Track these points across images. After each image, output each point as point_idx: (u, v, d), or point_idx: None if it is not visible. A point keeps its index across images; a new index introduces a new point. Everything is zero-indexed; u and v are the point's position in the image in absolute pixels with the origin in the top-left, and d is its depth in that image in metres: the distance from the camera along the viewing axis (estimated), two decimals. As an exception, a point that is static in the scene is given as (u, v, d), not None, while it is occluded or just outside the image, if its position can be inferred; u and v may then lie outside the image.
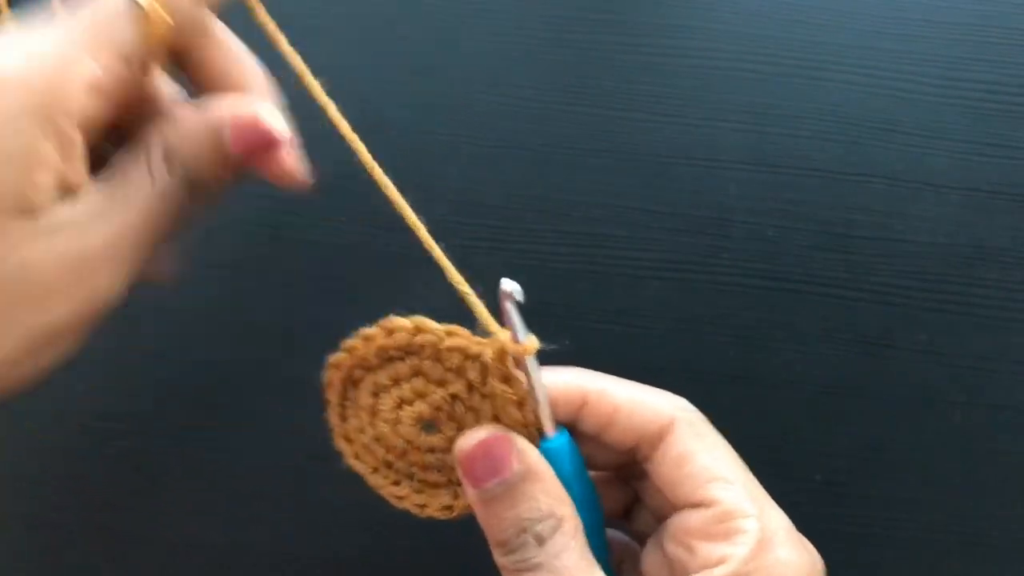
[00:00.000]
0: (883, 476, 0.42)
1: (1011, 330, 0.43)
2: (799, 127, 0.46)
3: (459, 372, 0.26)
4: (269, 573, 0.43)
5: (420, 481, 0.29)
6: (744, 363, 0.43)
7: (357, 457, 0.29)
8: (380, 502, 0.43)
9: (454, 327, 0.26)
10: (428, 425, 0.28)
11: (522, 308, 0.26)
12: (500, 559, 0.26)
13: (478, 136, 0.46)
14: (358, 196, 0.38)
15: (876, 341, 0.43)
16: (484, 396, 0.26)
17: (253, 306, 0.44)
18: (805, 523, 0.42)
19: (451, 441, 0.27)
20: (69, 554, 0.43)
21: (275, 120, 0.26)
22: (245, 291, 0.44)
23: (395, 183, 0.27)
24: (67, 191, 0.24)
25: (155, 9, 0.24)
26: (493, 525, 0.25)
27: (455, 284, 0.26)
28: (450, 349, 0.26)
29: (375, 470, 0.29)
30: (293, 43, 0.27)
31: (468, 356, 0.26)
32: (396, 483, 0.29)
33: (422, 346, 0.26)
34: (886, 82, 0.46)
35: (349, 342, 0.28)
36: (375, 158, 0.27)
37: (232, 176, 0.26)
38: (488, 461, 0.25)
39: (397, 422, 0.28)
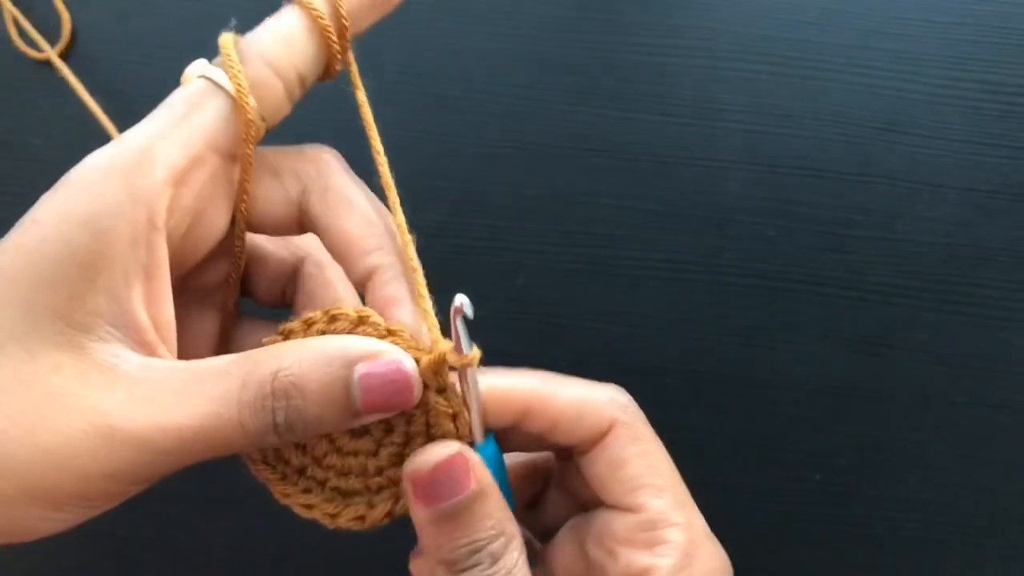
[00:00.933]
0: (883, 476, 0.42)
1: (1011, 330, 0.43)
2: (799, 127, 0.46)
3: None
4: (269, 573, 0.43)
5: (333, 489, 0.26)
6: (744, 363, 0.43)
7: (265, 462, 0.26)
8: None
9: (397, 326, 0.25)
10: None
11: (470, 323, 0.24)
12: None
13: (478, 136, 0.46)
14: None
15: (876, 341, 0.43)
16: (418, 404, 0.25)
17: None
18: (805, 523, 0.42)
19: (379, 444, 0.25)
20: (66, 556, 0.43)
21: (409, 366, 0.23)
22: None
23: (395, 183, 0.27)
24: (135, 333, 0.22)
25: (242, 96, 0.23)
26: (443, 544, 0.24)
27: (416, 288, 0.25)
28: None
29: (283, 477, 0.26)
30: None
31: None
32: (307, 491, 0.26)
33: None
34: (886, 82, 0.46)
35: (288, 324, 0.25)
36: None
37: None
38: (447, 481, 0.24)
39: None
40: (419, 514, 0.24)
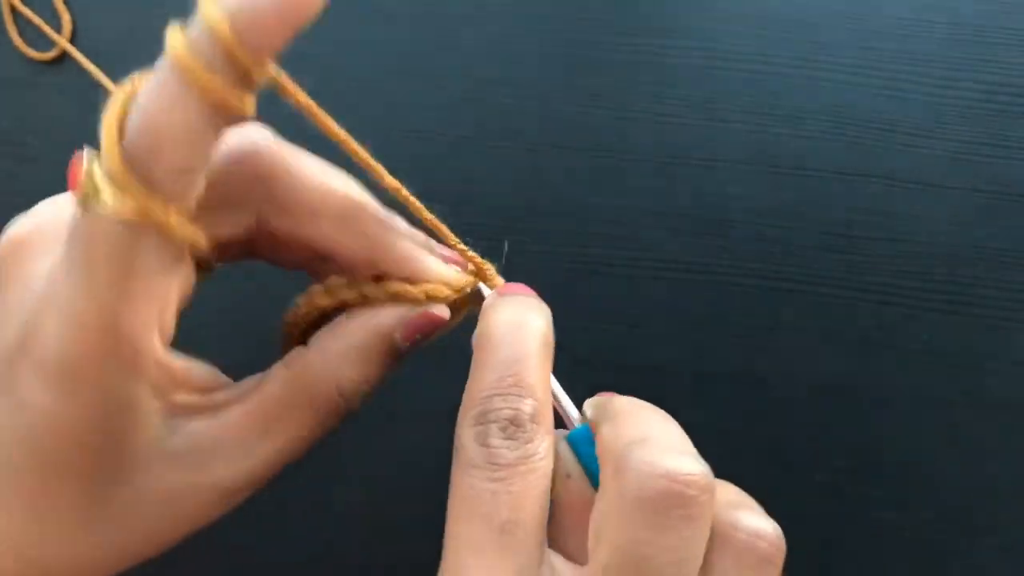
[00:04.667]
0: (883, 476, 0.42)
1: (1011, 330, 0.43)
2: (799, 127, 0.46)
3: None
4: (269, 573, 0.43)
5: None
6: (744, 363, 0.43)
7: None
8: (384, 505, 0.43)
9: (434, 286, 0.25)
10: None
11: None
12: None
13: (478, 136, 0.46)
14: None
15: (876, 341, 0.43)
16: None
17: (257, 308, 0.44)
18: (805, 523, 0.42)
19: None
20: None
21: (438, 310, 0.24)
22: (254, 294, 0.44)
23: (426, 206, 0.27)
24: (189, 410, 0.22)
25: (178, 234, 0.19)
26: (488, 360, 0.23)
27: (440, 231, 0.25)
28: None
29: None
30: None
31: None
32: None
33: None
34: (886, 82, 0.46)
35: (320, 290, 0.24)
36: (375, 159, 0.27)
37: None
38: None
39: None
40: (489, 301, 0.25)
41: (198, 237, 0.20)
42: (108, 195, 0.18)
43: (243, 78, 0.19)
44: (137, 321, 0.20)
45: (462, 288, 0.25)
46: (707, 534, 0.21)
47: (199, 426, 0.22)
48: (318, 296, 0.24)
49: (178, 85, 0.18)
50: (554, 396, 0.25)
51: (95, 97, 0.48)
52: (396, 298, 0.24)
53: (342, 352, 0.23)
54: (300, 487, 0.43)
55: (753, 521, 0.22)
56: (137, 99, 0.19)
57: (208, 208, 0.20)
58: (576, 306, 0.44)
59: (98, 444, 0.21)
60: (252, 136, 0.22)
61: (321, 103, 0.26)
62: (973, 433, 0.42)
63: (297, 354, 0.24)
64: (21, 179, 0.47)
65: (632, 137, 0.46)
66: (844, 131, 0.46)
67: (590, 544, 0.21)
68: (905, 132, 0.46)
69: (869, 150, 0.45)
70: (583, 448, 0.25)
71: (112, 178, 0.18)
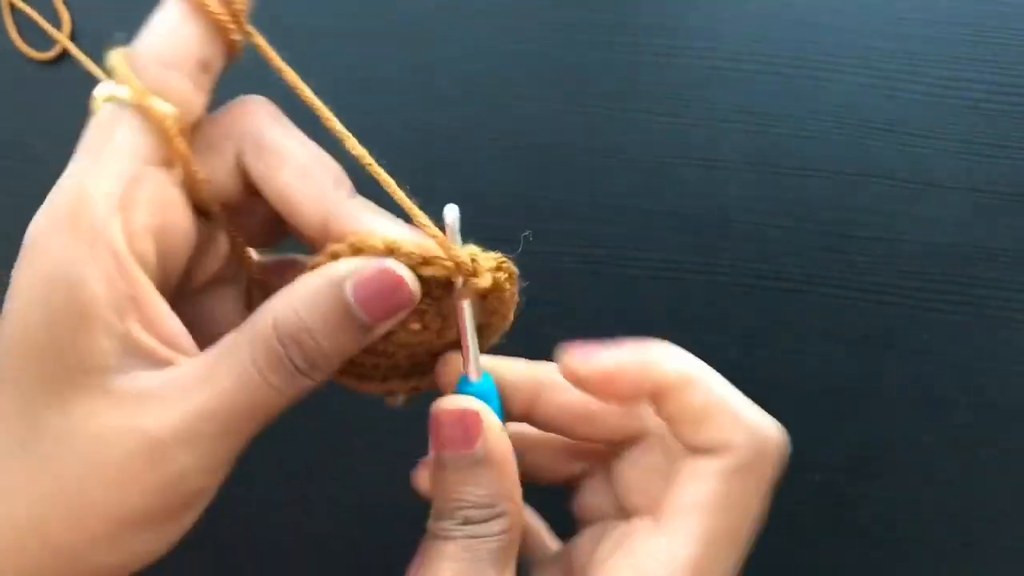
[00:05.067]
0: (883, 476, 0.42)
1: (1011, 330, 0.43)
2: (799, 127, 0.46)
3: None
4: (269, 573, 0.43)
5: (407, 368, 0.28)
6: (744, 363, 0.43)
7: (340, 372, 0.26)
8: (381, 497, 0.43)
9: (416, 246, 0.24)
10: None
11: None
12: (430, 522, 0.25)
13: (478, 136, 0.46)
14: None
15: (876, 341, 0.43)
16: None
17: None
18: (805, 523, 0.42)
19: (428, 328, 0.26)
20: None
21: (400, 270, 0.23)
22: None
23: (396, 182, 0.27)
24: (148, 355, 0.22)
25: (143, 101, 0.22)
26: (437, 491, 0.25)
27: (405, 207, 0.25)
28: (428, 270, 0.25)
29: (360, 377, 0.27)
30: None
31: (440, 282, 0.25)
32: (385, 379, 0.28)
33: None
34: (886, 82, 0.46)
35: (315, 259, 0.24)
36: (376, 159, 0.27)
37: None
38: (456, 431, 0.24)
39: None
40: (431, 456, 0.25)
41: (169, 119, 0.23)
42: (105, 87, 0.23)
43: (231, 13, 0.23)
44: (100, 191, 0.21)
45: (424, 252, 0.24)
46: None
47: (149, 374, 0.22)
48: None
49: (176, 2, 0.23)
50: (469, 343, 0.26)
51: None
52: (356, 250, 0.23)
53: (285, 291, 0.23)
54: (300, 486, 0.43)
55: None
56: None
57: (203, 147, 0.24)
58: (576, 306, 0.44)
59: (43, 344, 0.21)
60: (248, 96, 0.25)
61: (326, 101, 0.26)
62: (973, 433, 0.42)
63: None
64: (21, 178, 0.47)
65: (632, 137, 0.46)
66: (844, 131, 0.46)
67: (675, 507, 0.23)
68: (905, 132, 0.46)
69: (869, 150, 0.45)
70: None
71: (111, 69, 0.23)
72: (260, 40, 0.25)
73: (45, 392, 0.21)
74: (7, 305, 0.22)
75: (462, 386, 0.26)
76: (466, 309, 0.25)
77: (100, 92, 0.23)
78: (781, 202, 0.45)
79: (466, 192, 0.45)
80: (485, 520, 0.24)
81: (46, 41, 0.48)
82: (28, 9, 0.49)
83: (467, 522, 0.24)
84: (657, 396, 0.25)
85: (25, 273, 0.22)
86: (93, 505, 0.21)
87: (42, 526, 0.21)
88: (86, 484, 0.21)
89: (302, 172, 0.24)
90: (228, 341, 0.23)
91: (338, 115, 0.26)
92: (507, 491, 0.25)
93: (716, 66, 0.47)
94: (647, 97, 0.46)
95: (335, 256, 0.24)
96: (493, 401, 0.26)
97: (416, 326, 0.26)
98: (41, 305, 0.21)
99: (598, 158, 0.46)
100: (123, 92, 0.23)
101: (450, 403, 0.25)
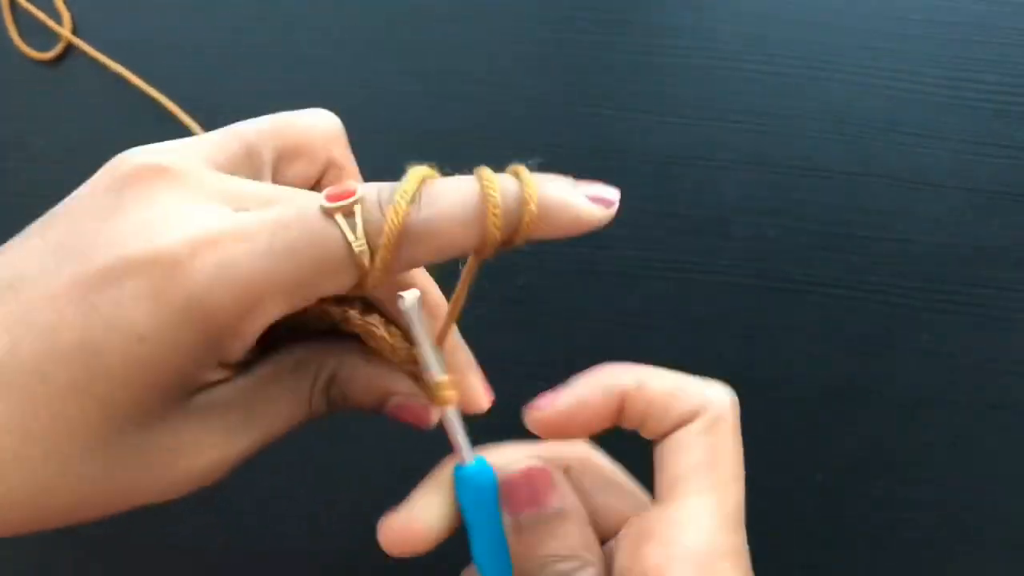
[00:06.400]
0: (883, 476, 0.42)
1: (1011, 330, 0.43)
2: (799, 127, 0.46)
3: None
4: (269, 573, 0.43)
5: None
6: (744, 363, 0.43)
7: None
8: (383, 504, 0.43)
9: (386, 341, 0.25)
10: None
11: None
12: None
13: (478, 136, 0.46)
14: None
15: (876, 341, 0.43)
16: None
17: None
18: (805, 523, 0.42)
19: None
20: (65, 556, 0.43)
21: (433, 411, 0.26)
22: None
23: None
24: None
25: (379, 273, 0.21)
26: (520, 555, 0.25)
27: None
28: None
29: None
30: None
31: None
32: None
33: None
34: (886, 82, 0.46)
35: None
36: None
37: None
38: (528, 490, 0.25)
39: None
40: (505, 521, 0.25)
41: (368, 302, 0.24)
42: (356, 245, 0.21)
43: (507, 244, 0.23)
44: (281, 306, 0.21)
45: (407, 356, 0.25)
46: None
47: (216, 396, 0.23)
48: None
49: (474, 217, 0.22)
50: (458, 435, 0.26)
51: (95, 97, 0.48)
52: (368, 335, 0.25)
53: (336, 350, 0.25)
54: (299, 486, 0.43)
55: None
56: (434, 192, 0.23)
57: (292, 155, 0.25)
58: (576, 306, 0.44)
59: (153, 383, 0.21)
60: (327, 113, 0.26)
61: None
62: (973, 433, 0.42)
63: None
64: (22, 178, 0.47)
65: (632, 137, 0.46)
66: (844, 131, 0.46)
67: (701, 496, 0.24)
68: (905, 132, 0.46)
69: (869, 150, 0.45)
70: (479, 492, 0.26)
71: (379, 229, 0.21)
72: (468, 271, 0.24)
73: (139, 409, 0.21)
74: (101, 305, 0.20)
75: (458, 471, 0.26)
76: (451, 415, 0.26)
77: (347, 234, 0.21)
78: (781, 202, 0.45)
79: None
80: (576, 571, 0.24)
81: (46, 41, 0.48)
82: (30, 7, 0.49)
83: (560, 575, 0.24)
84: (624, 407, 0.26)
85: (173, 323, 0.20)
86: (127, 503, 0.22)
87: (72, 512, 0.22)
88: (142, 486, 0.22)
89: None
90: (289, 372, 0.25)
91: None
92: (590, 542, 0.25)
93: (716, 66, 0.47)
94: (647, 97, 0.47)
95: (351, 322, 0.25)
96: (488, 484, 0.26)
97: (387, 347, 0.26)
98: (174, 336, 0.20)
99: (598, 158, 0.46)
100: (359, 232, 0.21)
101: (514, 467, 0.26)
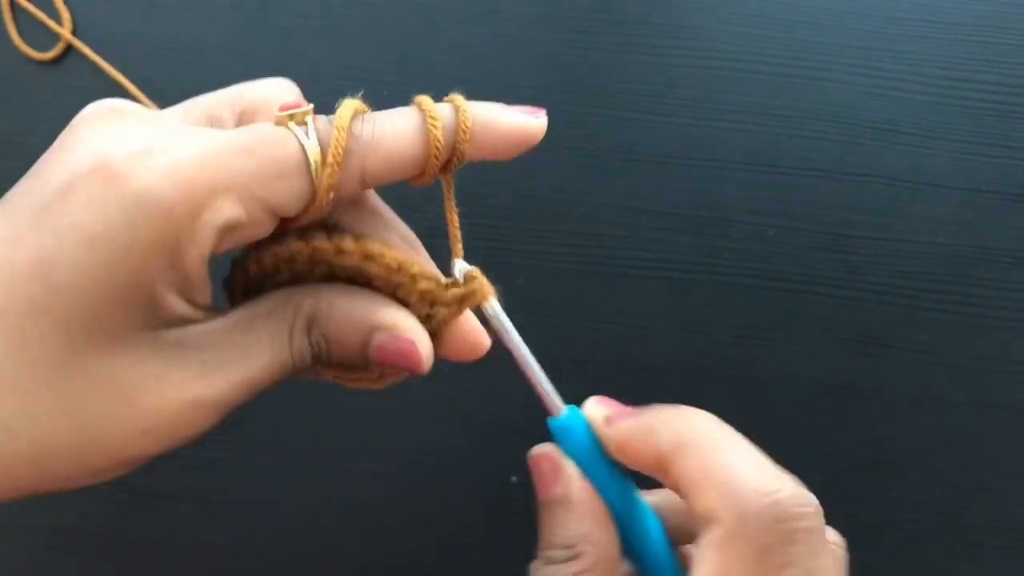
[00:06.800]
0: (883, 476, 0.42)
1: (1011, 330, 0.43)
2: (799, 127, 0.46)
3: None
4: (269, 573, 0.43)
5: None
6: (744, 363, 0.43)
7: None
8: (383, 503, 0.43)
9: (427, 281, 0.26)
10: None
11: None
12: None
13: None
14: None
15: (876, 341, 0.43)
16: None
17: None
18: (805, 523, 0.42)
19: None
20: (66, 556, 0.43)
21: (423, 347, 0.25)
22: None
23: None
24: (187, 313, 0.22)
25: (330, 175, 0.22)
26: (540, 527, 0.26)
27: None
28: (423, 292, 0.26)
29: (351, 368, 0.28)
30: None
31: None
32: (380, 376, 0.28)
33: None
34: (886, 82, 0.46)
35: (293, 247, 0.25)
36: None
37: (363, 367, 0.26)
38: (539, 474, 0.26)
39: None
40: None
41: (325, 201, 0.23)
42: (310, 146, 0.22)
43: (446, 168, 0.26)
44: (234, 207, 0.21)
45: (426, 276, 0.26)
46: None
47: (190, 332, 0.23)
48: (291, 240, 0.24)
49: (417, 127, 0.24)
50: (537, 381, 0.26)
51: (95, 97, 0.48)
52: (368, 259, 0.25)
53: (331, 294, 0.25)
54: (299, 485, 0.43)
55: (832, 532, 0.26)
56: (374, 116, 0.24)
57: (252, 116, 0.25)
58: (576, 306, 0.44)
59: (112, 296, 0.21)
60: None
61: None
62: (973, 433, 0.42)
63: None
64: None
65: (632, 137, 0.46)
66: (844, 131, 0.46)
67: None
68: (905, 132, 0.46)
69: (869, 150, 0.45)
70: (567, 439, 0.26)
71: (326, 140, 0.23)
72: (449, 188, 0.27)
73: (99, 330, 0.21)
74: (62, 214, 0.21)
75: (551, 422, 0.26)
76: (498, 309, 0.27)
77: (302, 110, 0.23)
78: (781, 202, 0.45)
79: (466, 192, 0.45)
80: (563, 561, 0.25)
81: (46, 41, 0.48)
82: (30, 7, 0.49)
83: (549, 562, 0.25)
84: (659, 467, 0.25)
85: (129, 223, 0.20)
86: (103, 447, 0.22)
87: (44, 458, 0.21)
88: (105, 426, 0.21)
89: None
90: (272, 322, 0.24)
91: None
92: (586, 533, 0.25)
93: (716, 66, 0.47)
94: (647, 97, 0.47)
95: (345, 252, 0.24)
96: (579, 435, 0.26)
97: None
98: (125, 237, 0.20)
99: (598, 158, 0.46)
100: (311, 146, 0.23)
101: (535, 449, 0.26)
